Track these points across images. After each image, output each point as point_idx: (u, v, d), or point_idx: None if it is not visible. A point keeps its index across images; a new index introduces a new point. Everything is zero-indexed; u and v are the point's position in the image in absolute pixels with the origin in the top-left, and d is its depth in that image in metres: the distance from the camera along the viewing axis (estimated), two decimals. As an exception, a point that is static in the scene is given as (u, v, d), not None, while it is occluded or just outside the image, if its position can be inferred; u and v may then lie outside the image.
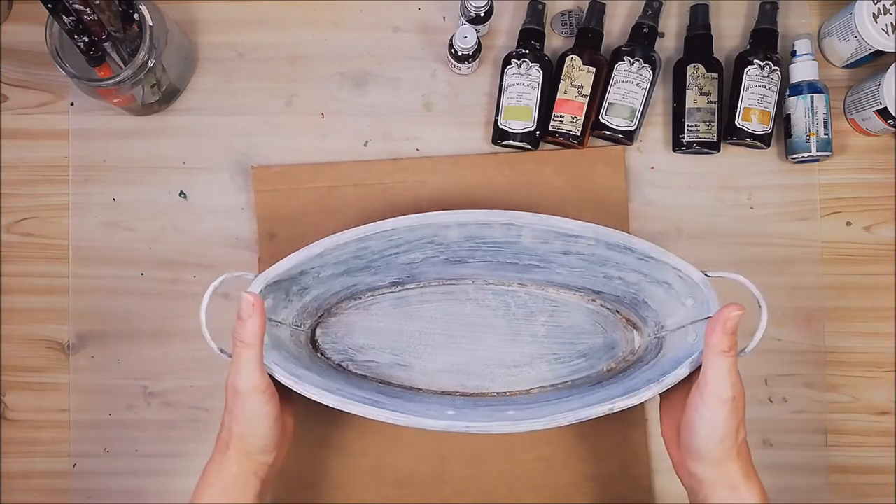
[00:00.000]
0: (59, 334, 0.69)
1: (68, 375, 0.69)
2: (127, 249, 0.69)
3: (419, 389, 0.64)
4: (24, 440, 0.69)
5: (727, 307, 0.50)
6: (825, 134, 0.67)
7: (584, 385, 0.63)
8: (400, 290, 0.65)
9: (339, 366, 0.65)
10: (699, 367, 0.52)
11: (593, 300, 0.65)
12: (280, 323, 0.60)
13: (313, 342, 0.65)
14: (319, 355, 0.65)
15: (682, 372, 0.54)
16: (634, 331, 0.64)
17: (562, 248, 0.60)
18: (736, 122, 0.67)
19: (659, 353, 0.60)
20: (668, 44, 0.71)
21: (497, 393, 0.64)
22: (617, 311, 0.65)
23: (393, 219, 0.58)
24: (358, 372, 0.65)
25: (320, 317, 0.65)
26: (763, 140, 0.67)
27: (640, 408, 0.68)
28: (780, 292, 0.69)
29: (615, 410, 0.53)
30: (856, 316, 0.70)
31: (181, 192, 0.70)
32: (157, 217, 0.70)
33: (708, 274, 0.56)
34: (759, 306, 0.53)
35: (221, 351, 0.55)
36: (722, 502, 0.52)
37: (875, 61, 0.69)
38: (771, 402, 0.70)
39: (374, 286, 0.65)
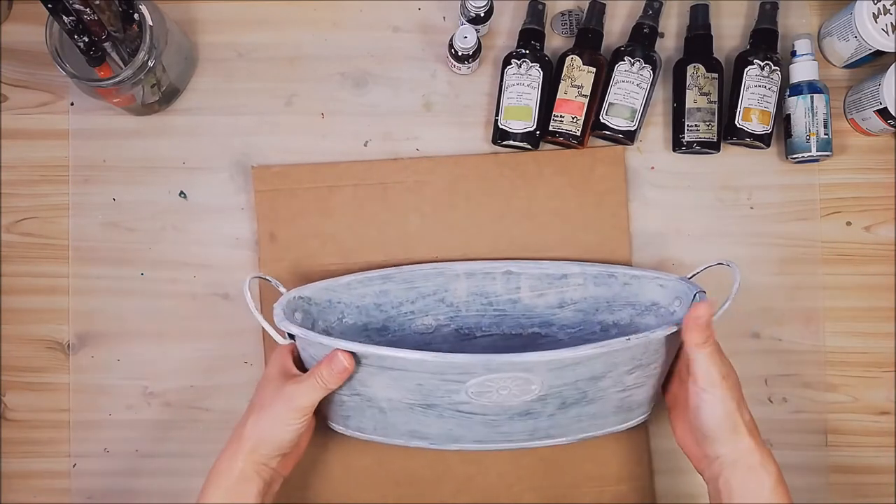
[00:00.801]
0: (59, 334, 0.69)
1: (68, 375, 0.69)
2: (127, 249, 0.69)
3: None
4: (24, 440, 0.69)
5: (695, 307, 0.54)
6: (825, 134, 0.67)
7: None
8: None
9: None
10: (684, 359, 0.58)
11: None
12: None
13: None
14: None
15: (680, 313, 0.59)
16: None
17: (556, 299, 0.65)
18: (736, 122, 0.67)
19: None
20: (668, 44, 0.71)
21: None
22: None
23: (411, 265, 0.66)
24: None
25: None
26: (763, 140, 0.67)
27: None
28: (780, 292, 0.69)
29: (631, 344, 0.53)
30: (856, 316, 0.70)
31: (181, 192, 0.70)
32: (157, 217, 0.70)
33: (686, 277, 0.61)
34: (731, 268, 0.58)
35: (290, 336, 0.57)
36: (742, 485, 0.54)
37: (875, 61, 0.69)
38: (771, 402, 0.70)
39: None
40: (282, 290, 0.62)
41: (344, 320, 0.65)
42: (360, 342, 0.55)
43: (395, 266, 0.67)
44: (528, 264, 0.67)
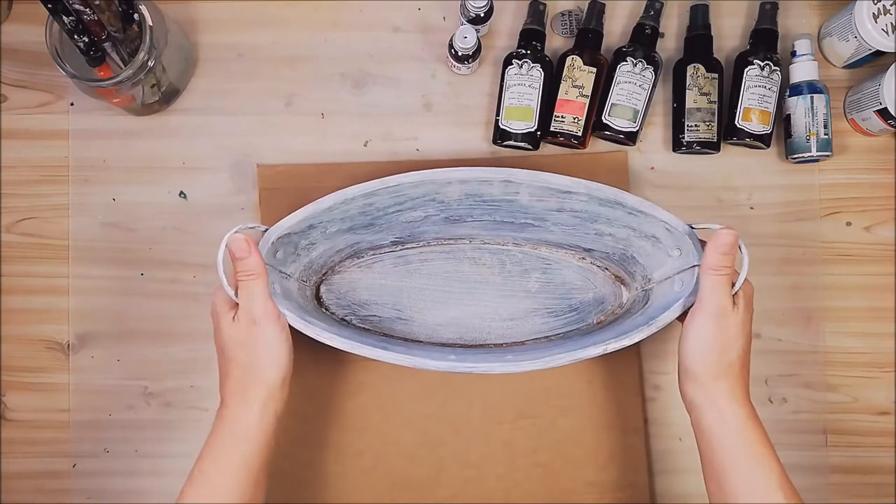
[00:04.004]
0: (59, 334, 0.69)
1: (68, 375, 0.69)
2: (127, 249, 0.69)
3: (420, 342, 0.67)
4: (24, 440, 0.69)
5: (721, 234, 0.55)
6: (825, 134, 0.67)
7: (576, 336, 0.66)
8: (400, 249, 0.67)
9: (343, 320, 0.67)
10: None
11: (583, 258, 0.67)
12: (289, 276, 0.62)
13: (318, 299, 0.67)
14: (324, 310, 0.66)
15: (672, 314, 0.58)
16: (622, 286, 0.67)
17: (556, 205, 0.63)
18: (736, 122, 0.67)
19: (646, 304, 0.63)
20: (669, 44, 0.71)
21: (494, 344, 0.67)
22: (606, 268, 0.67)
23: (398, 175, 0.60)
24: (361, 325, 0.67)
25: (324, 274, 0.66)
26: (763, 140, 0.67)
27: (638, 413, 0.68)
28: (780, 292, 0.69)
29: (609, 351, 0.58)
30: (856, 316, 0.70)
31: (181, 192, 0.70)
32: (157, 217, 0.70)
33: (692, 225, 0.59)
34: (741, 252, 0.57)
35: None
36: (709, 425, 0.55)
37: (875, 61, 0.69)
38: (771, 402, 0.70)
39: (377, 244, 0.66)
40: (261, 228, 0.60)
41: (328, 230, 0.63)
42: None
43: (379, 178, 0.61)
44: (529, 174, 0.60)
